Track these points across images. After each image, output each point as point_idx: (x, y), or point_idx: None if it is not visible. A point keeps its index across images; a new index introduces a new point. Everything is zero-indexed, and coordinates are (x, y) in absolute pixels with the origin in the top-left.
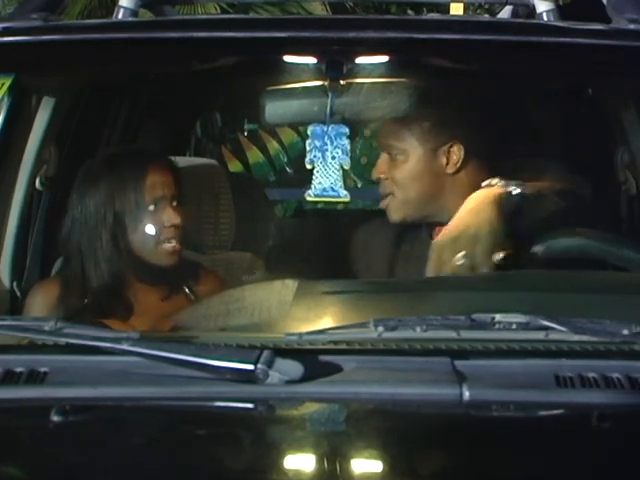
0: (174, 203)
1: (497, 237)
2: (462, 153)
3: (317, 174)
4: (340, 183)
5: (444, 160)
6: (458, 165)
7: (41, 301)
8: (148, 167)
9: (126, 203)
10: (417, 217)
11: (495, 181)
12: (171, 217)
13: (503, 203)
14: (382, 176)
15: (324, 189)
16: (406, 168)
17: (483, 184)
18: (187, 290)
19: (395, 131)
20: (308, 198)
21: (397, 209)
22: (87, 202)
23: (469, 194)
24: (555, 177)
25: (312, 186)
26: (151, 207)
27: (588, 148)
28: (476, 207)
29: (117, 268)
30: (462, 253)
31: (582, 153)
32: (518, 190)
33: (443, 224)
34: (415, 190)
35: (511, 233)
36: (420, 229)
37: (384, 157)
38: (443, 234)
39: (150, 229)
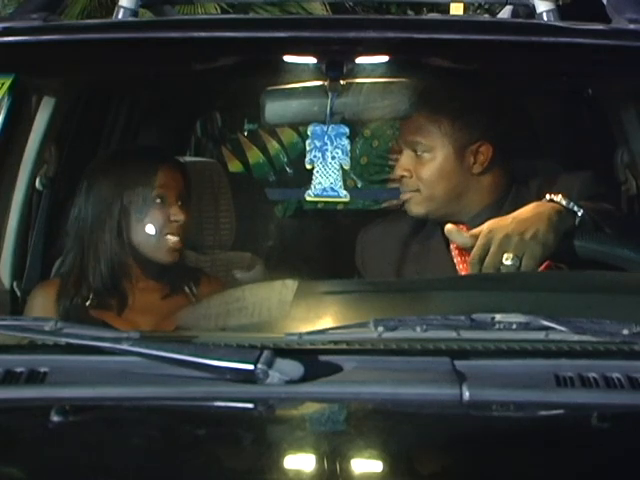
0: (179, 202)
1: (547, 251)
2: (490, 153)
3: (317, 174)
4: (340, 183)
5: (471, 159)
6: (485, 165)
7: (42, 303)
8: (160, 164)
9: (134, 196)
10: (438, 215)
11: (558, 198)
12: (176, 212)
13: (561, 221)
14: (406, 174)
15: (324, 189)
16: (433, 166)
17: (547, 197)
18: (187, 291)
19: (423, 128)
20: (308, 198)
21: (420, 204)
22: (95, 194)
23: (493, 195)
24: (584, 189)
25: (312, 186)
26: (157, 200)
27: (588, 148)
28: (534, 216)
29: (118, 262)
30: (511, 255)
31: (582, 153)
32: (579, 212)
33: (460, 223)
34: (441, 188)
35: (561, 252)
36: (434, 228)
37: (408, 154)
38: (494, 222)
39: (154, 223)
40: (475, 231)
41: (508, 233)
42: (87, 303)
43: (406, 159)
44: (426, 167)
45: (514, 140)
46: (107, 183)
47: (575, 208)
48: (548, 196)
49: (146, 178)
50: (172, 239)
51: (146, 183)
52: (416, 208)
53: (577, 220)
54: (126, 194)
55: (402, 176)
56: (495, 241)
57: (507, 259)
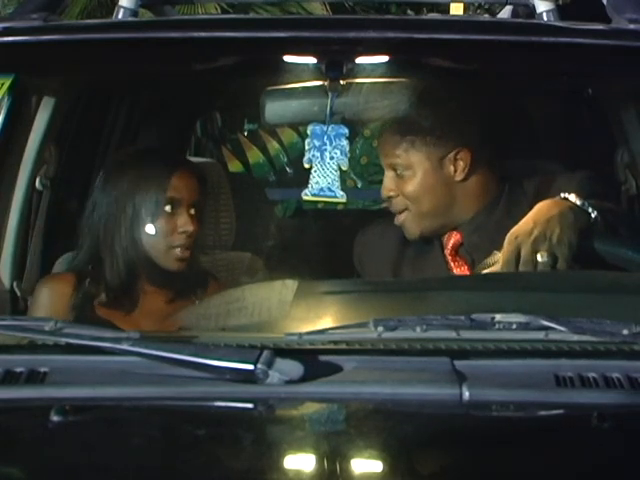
0: (192, 210)
1: (573, 252)
2: (469, 159)
3: (315, 174)
4: (337, 184)
5: (452, 168)
6: (466, 171)
7: (49, 295)
8: (176, 168)
9: (146, 198)
10: (434, 228)
11: (572, 197)
12: (185, 223)
13: (577, 220)
14: (392, 194)
15: (321, 189)
16: (415, 182)
17: (561, 195)
18: (194, 295)
19: (397, 147)
20: (305, 197)
21: (414, 223)
22: (110, 191)
23: (483, 197)
24: (583, 187)
25: (309, 185)
26: (167, 208)
27: (588, 148)
28: (554, 218)
29: (129, 262)
30: (545, 253)
31: (582, 153)
32: (592, 213)
33: (455, 230)
34: (428, 202)
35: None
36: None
37: (389, 175)
38: (516, 228)
39: (161, 230)
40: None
41: (536, 237)
42: (96, 301)
43: (389, 180)
44: (409, 185)
45: (513, 141)
46: (122, 182)
47: (588, 208)
48: (562, 194)
49: (159, 182)
50: (178, 250)
51: (158, 187)
52: (412, 229)
53: (591, 220)
54: (138, 196)
55: (389, 197)
56: (525, 245)
57: (542, 257)
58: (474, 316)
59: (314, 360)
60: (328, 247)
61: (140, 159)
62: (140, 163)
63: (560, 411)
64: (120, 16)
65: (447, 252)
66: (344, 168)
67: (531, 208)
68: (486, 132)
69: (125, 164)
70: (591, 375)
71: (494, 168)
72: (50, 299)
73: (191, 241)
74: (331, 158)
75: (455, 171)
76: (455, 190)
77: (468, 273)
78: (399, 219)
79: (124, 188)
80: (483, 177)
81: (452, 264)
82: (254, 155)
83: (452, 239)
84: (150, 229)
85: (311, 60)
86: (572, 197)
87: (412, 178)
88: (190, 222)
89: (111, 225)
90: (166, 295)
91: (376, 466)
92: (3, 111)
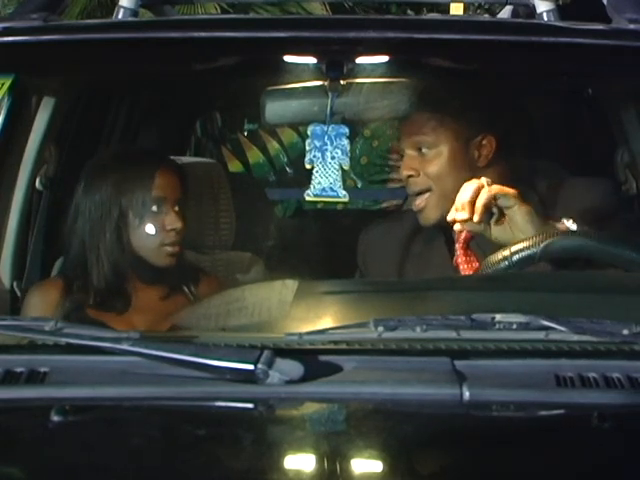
0: (176, 207)
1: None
2: (493, 146)
3: (316, 174)
4: (339, 183)
5: (476, 153)
6: (489, 158)
7: (39, 302)
8: (157, 168)
9: (132, 200)
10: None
11: (569, 222)
12: (172, 221)
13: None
14: (413, 173)
15: (323, 189)
16: (440, 161)
17: (565, 222)
18: (186, 291)
19: (425, 125)
20: (307, 198)
21: (436, 207)
22: (93, 195)
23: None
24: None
25: (311, 186)
26: (154, 208)
27: (588, 148)
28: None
29: (118, 263)
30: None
31: (582, 153)
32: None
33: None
34: (451, 183)
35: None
36: (438, 231)
37: (411, 155)
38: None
39: (151, 230)
40: None
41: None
42: (87, 303)
43: (410, 160)
44: (433, 163)
45: (515, 140)
46: (105, 185)
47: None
48: (563, 220)
49: (143, 183)
50: (169, 247)
51: (143, 188)
52: (432, 212)
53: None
54: (124, 198)
55: (409, 176)
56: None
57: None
58: (474, 316)
59: (314, 360)
60: (328, 247)
61: (121, 161)
62: (122, 166)
63: (560, 411)
64: (120, 16)
65: (459, 246)
66: (345, 167)
67: (543, 206)
68: (511, 123)
69: (107, 168)
70: (591, 375)
71: (509, 165)
72: (39, 307)
73: (180, 237)
74: (332, 158)
75: (479, 156)
76: (475, 176)
77: (478, 268)
78: (419, 203)
79: (108, 192)
80: (500, 170)
81: (463, 258)
82: (254, 155)
83: (464, 232)
84: (139, 230)
85: (311, 60)
86: (569, 222)
87: (437, 157)
88: (177, 219)
89: (96, 228)
90: (159, 292)
91: (376, 466)
92: (3, 111)
